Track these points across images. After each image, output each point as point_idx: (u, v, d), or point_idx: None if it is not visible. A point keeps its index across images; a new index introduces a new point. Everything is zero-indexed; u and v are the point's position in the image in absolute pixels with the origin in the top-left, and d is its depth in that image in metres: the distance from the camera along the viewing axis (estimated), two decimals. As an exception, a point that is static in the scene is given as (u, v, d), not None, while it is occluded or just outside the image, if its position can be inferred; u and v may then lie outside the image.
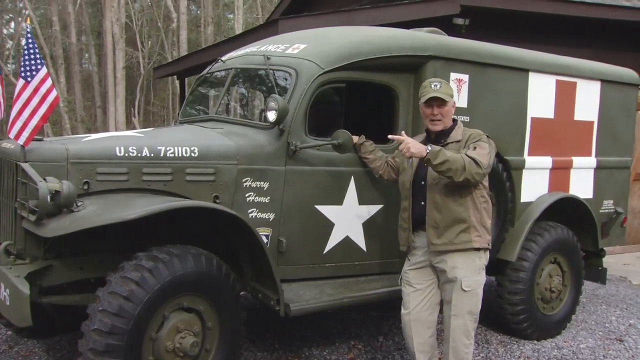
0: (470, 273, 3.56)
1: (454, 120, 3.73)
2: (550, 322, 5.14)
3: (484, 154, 3.47)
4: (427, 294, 3.72)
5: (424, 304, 3.71)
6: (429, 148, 3.33)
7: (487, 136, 3.66)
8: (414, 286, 3.72)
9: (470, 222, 3.54)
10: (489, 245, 3.68)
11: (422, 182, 3.63)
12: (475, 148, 3.49)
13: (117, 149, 3.53)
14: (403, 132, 3.63)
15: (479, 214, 3.58)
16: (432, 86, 3.59)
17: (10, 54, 27.44)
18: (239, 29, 22.75)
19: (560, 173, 5.19)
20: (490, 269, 4.88)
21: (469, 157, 3.36)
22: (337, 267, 4.20)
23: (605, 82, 5.43)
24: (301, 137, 3.91)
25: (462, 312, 3.59)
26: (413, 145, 3.34)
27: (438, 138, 3.65)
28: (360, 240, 4.25)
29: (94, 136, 3.86)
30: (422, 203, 3.62)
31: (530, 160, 4.93)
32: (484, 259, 3.66)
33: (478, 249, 3.58)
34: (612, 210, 5.67)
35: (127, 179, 3.52)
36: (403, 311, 3.77)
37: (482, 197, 3.60)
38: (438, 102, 3.57)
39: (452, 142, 3.58)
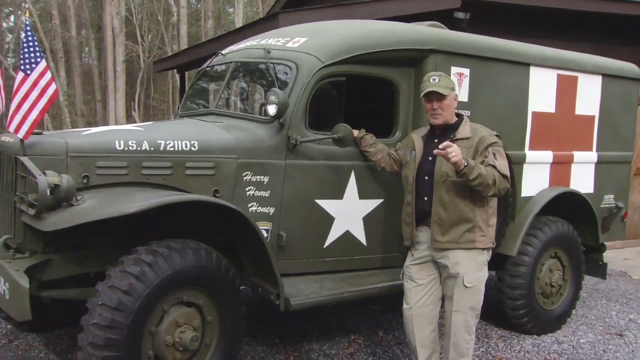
0: (473, 269, 3.56)
1: (460, 115, 3.71)
2: (550, 316, 5.14)
3: (506, 165, 3.49)
4: (429, 289, 3.71)
5: (426, 299, 3.70)
6: (466, 162, 3.28)
7: (497, 135, 3.63)
8: (416, 281, 3.72)
9: (476, 222, 3.53)
10: (493, 244, 3.68)
11: (426, 177, 3.61)
12: (495, 155, 3.47)
13: (117, 142, 3.52)
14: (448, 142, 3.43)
15: (485, 213, 3.57)
16: (431, 80, 3.57)
17: (10, 48, 27.39)
18: (239, 23, 22.69)
19: (561, 167, 5.17)
20: (490, 264, 4.87)
21: (498, 172, 3.37)
22: (337, 262, 4.19)
23: (607, 76, 5.41)
24: (301, 131, 3.89)
25: (463, 308, 3.58)
26: (458, 155, 3.24)
27: (445, 133, 3.62)
28: (360, 235, 4.24)
29: (93, 130, 3.85)
30: (426, 198, 3.61)
31: (531, 155, 4.92)
32: (486, 255, 3.66)
33: (482, 249, 3.59)
34: (612, 205, 5.66)
35: (127, 173, 3.52)
36: (405, 306, 3.77)
37: (489, 197, 3.56)
38: (437, 96, 3.55)
39: (461, 139, 3.54)
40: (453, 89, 3.62)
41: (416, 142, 3.74)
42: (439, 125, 3.63)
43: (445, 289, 3.68)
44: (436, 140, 3.63)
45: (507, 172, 3.46)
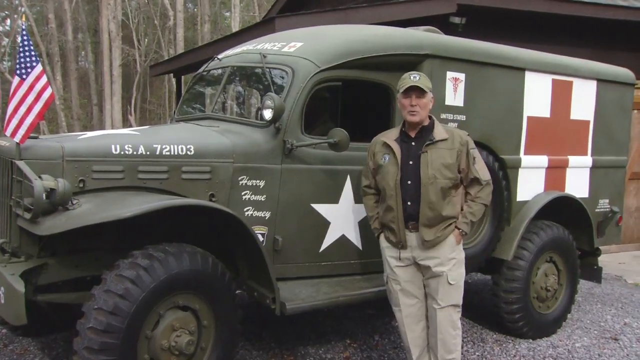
0: (455, 266, 3.65)
1: (430, 117, 3.71)
2: (545, 320, 5.15)
3: (484, 166, 3.72)
4: (415, 289, 3.76)
5: (413, 299, 3.76)
6: (463, 231, 3.66)
7: (468, 134, 3.73)
8: (401, 284, 3.75)
9: (456, 215, 3.67)
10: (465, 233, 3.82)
11: (409, 182, 3.59)
12: (475, 159, 3.63)
13: (113, 147, 3.52)
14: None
15: (461, 206, 3.72)
16: (411, 78, 3.59)
17: (6, 51, 27.35)
18: (235, 27, 22.73)
19: (556, 172, 5.20)
20: (486, 268, 4.90)
21: (480, 182, 3.63)
22: (333, 266, 4.20)
23: (602, 81, 5.44)
24: (297, 136, 3.90)
25: (447, 305, 3.66)
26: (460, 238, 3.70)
27: (422, 135, 3.62)
28: (356, 239, 4.24)
29: (89, 134, 3.85)
30: (409, 203, 3.60)
31: (526, 159, 4.93)
32: (462, 253, 3.76)
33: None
34: (607, 209, 5.68)
35: (123, 177, 3.52)
36: (395, 308, 3.83)
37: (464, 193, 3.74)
38: (417, 92, 3.55)
39: (439, 141, 3.57)
40: (431, 90, 3.64)
41: (392, 145, 3.65)
42: (413, 124, 3.62)
43: (427, 289, 3.73)
44: (413, 144, 3.63)
45: (487, 176, 3.68)
